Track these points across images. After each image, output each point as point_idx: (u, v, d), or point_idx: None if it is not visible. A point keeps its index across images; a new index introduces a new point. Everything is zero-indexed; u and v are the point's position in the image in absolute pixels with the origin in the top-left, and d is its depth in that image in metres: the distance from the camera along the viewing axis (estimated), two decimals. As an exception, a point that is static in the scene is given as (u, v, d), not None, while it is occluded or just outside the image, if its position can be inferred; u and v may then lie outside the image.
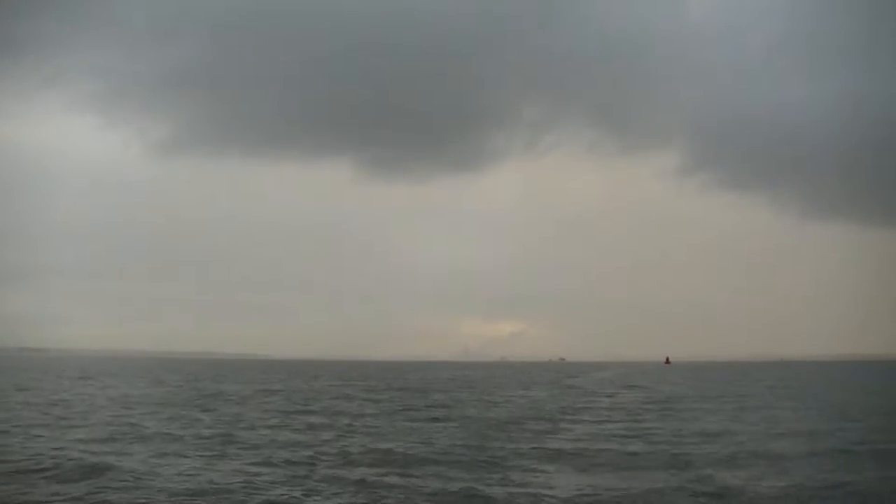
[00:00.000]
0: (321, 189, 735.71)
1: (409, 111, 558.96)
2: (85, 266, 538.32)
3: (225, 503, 13.95)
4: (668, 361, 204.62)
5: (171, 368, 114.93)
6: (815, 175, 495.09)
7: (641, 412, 34.15)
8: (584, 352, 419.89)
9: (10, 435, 22.47)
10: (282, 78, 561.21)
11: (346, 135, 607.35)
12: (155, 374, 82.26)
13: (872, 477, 16.86)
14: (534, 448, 20.75)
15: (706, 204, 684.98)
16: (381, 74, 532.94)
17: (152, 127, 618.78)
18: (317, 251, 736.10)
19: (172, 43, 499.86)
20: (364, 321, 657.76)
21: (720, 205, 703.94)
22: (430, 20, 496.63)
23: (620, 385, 64.69)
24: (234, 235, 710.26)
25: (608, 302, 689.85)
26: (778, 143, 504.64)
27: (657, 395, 49.58)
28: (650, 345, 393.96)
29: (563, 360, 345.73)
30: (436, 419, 28.88)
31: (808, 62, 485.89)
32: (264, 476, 16.36)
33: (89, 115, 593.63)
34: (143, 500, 13.96)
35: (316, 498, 14.42)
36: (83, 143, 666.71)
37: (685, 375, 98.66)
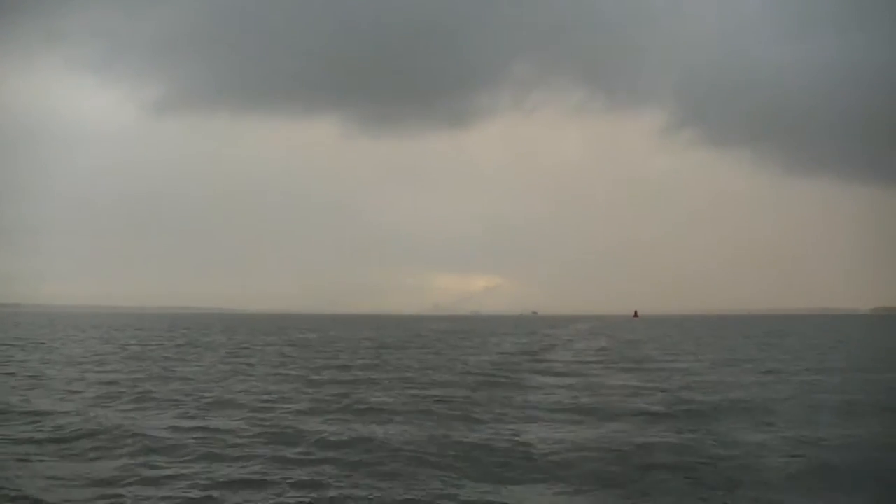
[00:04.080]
0: (308, 146, 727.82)
1: (398, 68, 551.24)
2: (65, 223, 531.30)
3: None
4: (636, 315, 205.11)
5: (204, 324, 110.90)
6: (799, 132, 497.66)
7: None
8: (555, 306, 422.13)
9: None
10: (273, 37, 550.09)
11: (336, 92, 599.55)
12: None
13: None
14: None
15: (689, 160, 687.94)
16: (370, 33, 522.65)
17: (147, 87, 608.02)
18: (300, 207, 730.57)
19: (167, 4, 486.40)
20: (337, 276, 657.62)
21: (703, 161, 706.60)
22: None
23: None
24: (216, 193, 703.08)
25: (583, 257, 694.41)
26: (763, 101, 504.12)
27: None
28: (620, 299, 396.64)
29: (536, 313, 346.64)
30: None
31: (796, 24, 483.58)
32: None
33: (86, 75, 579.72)
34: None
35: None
36: (78, 102, 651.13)
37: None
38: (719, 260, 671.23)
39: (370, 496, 10.00)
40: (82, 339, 50.62)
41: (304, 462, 11.78)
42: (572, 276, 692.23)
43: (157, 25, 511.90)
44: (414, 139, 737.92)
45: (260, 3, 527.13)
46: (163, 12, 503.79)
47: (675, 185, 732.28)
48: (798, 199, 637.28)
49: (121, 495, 10.01)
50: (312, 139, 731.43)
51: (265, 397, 19.05)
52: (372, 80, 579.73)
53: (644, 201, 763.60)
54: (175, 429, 14.46)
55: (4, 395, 18.68)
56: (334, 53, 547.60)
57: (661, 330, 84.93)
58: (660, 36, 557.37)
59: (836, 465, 11.78)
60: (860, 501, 10.39)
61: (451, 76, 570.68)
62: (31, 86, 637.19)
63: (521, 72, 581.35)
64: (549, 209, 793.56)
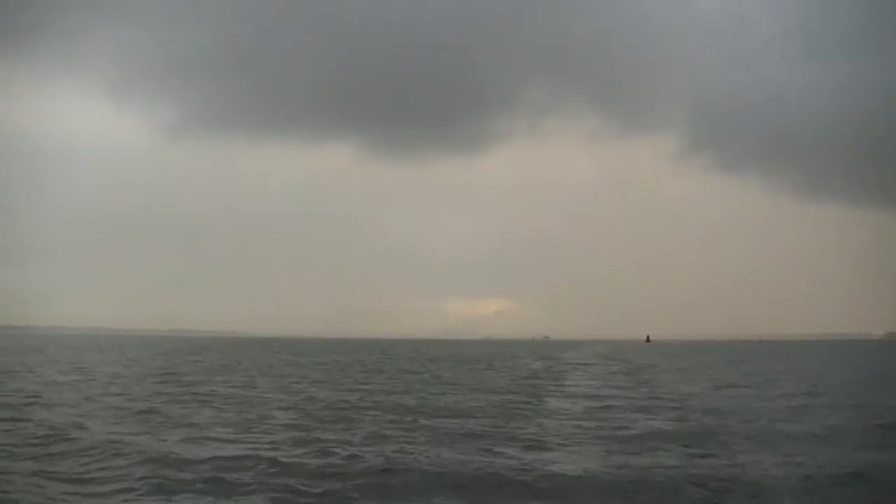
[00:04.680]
0: (322, 171, 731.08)
1: (414, 93, 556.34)
2: (77, 245, 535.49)
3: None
4: (648, 340, 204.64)
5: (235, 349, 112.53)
6: (810, 158, 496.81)
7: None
8: (567, 330, 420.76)
9: None
10: (288, 62, 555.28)
11: (350, 117, 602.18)
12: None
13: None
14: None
15: (701, 185, 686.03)
16: (386, 58, 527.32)
17: (162, 110, 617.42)
18: (312, 231, 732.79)
19: (182, 28, 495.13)
20: (349, 300, 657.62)
21: (715, 186, 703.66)
22: (433, 2, 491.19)
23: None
24: (229, 217, 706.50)
25: (595, 281, 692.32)
26: (774, 126, 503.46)
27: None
28: (632, 323, 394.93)
29: (548, 338, 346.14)
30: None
31: (807, 49, 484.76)
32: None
33: (101, 98, 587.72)
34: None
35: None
36: (93, 124, 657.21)
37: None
38: (731, 284, 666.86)
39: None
40: (112, 362, 52.30)
41: (337, 475, 12.95)
42: (584, 300, 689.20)
43: (173, 50, 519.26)
44: (428, 164, 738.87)
45: (275, 28, 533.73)
46: (178, 37, 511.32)
47: (688, 210, 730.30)
48: (809, 223, 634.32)
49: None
50: (327, 163, 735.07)
51: (296, 415, 20.60)
52: (388, 104, 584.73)
53: (656, 226, 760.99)
54: (223, 441, 16.08)
55: (66, 417, 19.99)
56: (350, 78, 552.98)
57: (672, 355, 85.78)
58: (673, 62, 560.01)
59: (832, 479, 12.79)
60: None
61: (468, 101, 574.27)
62: (45, 108, 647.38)
63: (537, 97, 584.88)
64: (561, 233, 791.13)
